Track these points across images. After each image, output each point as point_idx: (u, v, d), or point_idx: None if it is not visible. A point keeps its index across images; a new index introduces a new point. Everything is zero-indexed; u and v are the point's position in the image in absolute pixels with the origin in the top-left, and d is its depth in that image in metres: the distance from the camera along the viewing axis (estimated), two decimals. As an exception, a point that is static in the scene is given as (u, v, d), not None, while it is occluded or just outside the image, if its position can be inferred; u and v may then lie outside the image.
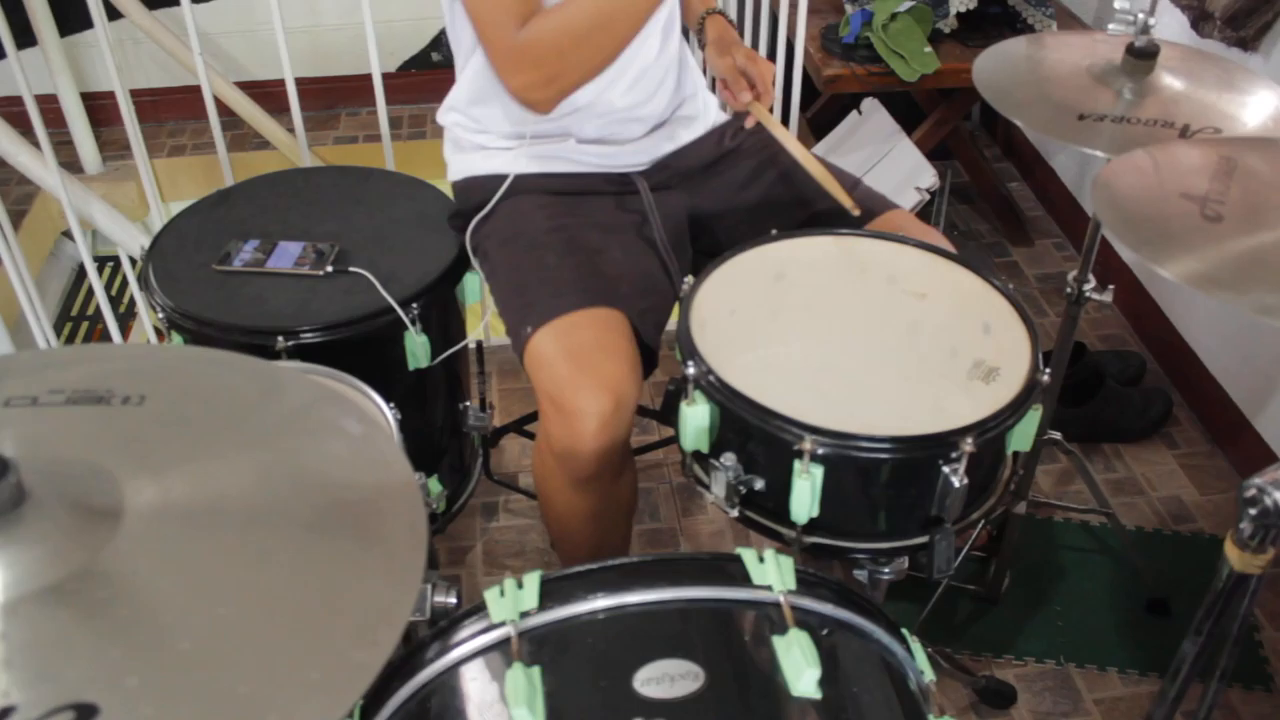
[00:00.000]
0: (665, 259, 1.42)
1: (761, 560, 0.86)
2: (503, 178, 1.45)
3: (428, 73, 3.30)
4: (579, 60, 1.26)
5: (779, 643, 0.80)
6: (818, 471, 1.04)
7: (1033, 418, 1.11)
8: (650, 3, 1.24)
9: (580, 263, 1.35)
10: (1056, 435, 1.76)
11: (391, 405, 1.19)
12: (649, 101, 1.45)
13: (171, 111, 3.32)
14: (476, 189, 1.48)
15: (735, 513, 1.13)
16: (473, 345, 1.69)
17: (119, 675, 0.57)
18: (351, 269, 1.46)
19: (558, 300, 1.29)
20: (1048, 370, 1.12)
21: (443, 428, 1.64)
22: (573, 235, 1.38)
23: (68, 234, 2.89)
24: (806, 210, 1.46)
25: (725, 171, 1.51)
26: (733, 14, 1.97)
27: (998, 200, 2.70)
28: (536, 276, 1.34)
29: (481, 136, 1.48)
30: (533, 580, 0.84)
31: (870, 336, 1.18)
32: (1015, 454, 1.19)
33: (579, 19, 1.23)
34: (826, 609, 0.85)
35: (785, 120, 2.14)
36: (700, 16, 1.58)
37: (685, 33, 1.58)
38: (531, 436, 1.99)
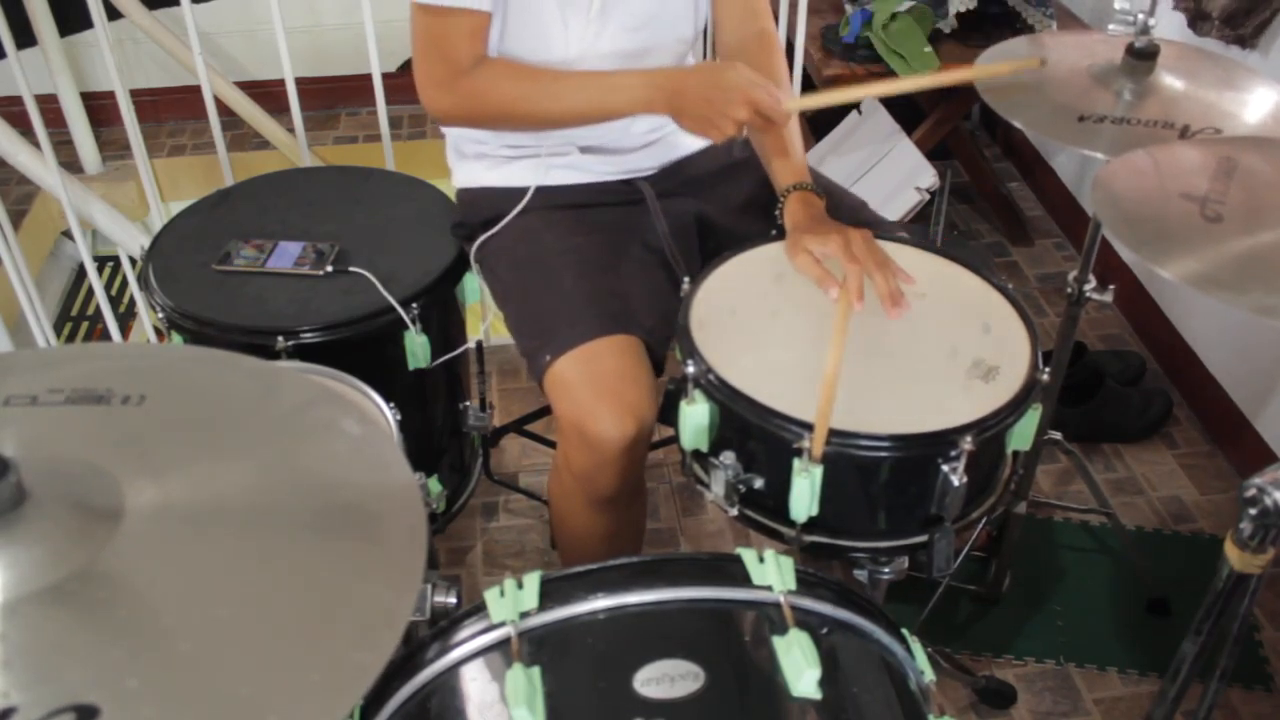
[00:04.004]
0: (674, 266, 1.41)
1: (761, 560, 0.86)
2: (509, 191, 1.44)
3: (428, 73, 3.29)
4: (501, 124, 1.40)
5: (779, 643, 0.80)
6: (817, 470, 1.04)
7: (1032, 417, 1.11)
8: (588, 120, 1.34)
9: (595, 287, 1.34)
10: (1056, 435, 1.76)
11: (391, 405, 1.19)
12: None
13: (171, 111, 3.32)
14: (483, 201, 1.48)
15: (735, 511, 1.13)
16: (472, 345, 1.69)
17: (119, 676, 0.57)
18: (351, 269, 1.46)
19: (577, 328, 1.29)
20: (1047, 369, 1.12)
21: (443, 428, 1.64)
22: (585, 256, 1.37)
23: (68, 234, 2.88)
24: None
25: (734, 182, 1.49)
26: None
27: (998, 200, 2.70)
28: (553, 303, 1.34)
29: (484, 146, 1.48)
30: (533, 580, 0.84)
31: (870, 336, 1.18)
32: (1015, 453, 1.19)
33: (523, 101, 1.32)
34: (826, 609, 0.85)
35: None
36: (783, 191, 1.34)
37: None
38: (531, 436, 1.99)
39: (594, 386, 1.25)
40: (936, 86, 1.25)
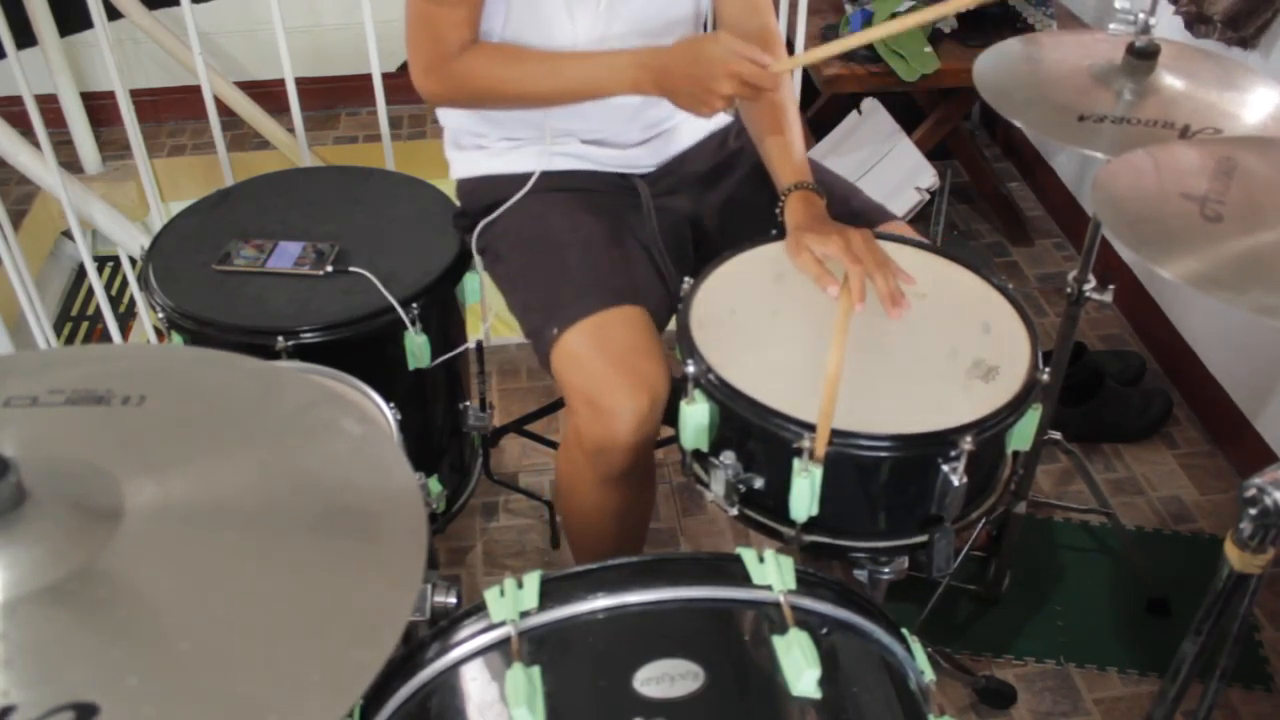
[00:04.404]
0: (661, 267, 1.41)
1: (761, 560, 0.86)
2: (511, 177, 1.44)
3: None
4: (490, 104, 1.41)
5: (779, 643, 0.80)
6: (817, 470, 1.04)
7: (1032, 417, 1.11)
8: (578, 100, 1.35)
9: (601, 261, 1.34)
10: (1056, 435, 1.76)
11: (391, 405, 1.19)
12: (658, 103, 1.45)
13: (171, 111, 3.32)
14: (483, 188, 1.48)
15: (734, 511, 1.13)
16: (472, 345, 1.69)
17: (119, 675, 0.57)
18: (351, 269, 1.46)
19: (585, 300, 1.29)
20: (1047, 369, 1.12)
21: (443, 428, 1.64)
22: (590, 234, 1.38)
23: (68, 234, 2.89)
24: None
25: (729, 175, 1.50)
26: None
27: (998, 200, 2.70)
28: (559, 277, 1.34)
29: (483, 139, 1.48)
30: (533, 580, 0.84)
31: (870, 336, 1.18)
32: (1015, 453, 1.19)
33: (513, 84, 1.33)
34: (826, 609, 0.85)
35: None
36: (784, 190, 1.34)
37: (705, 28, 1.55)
38: (531, 436, 1.99)
39: (606, 358, 1.25)
40: (916, 24, 1.24)
